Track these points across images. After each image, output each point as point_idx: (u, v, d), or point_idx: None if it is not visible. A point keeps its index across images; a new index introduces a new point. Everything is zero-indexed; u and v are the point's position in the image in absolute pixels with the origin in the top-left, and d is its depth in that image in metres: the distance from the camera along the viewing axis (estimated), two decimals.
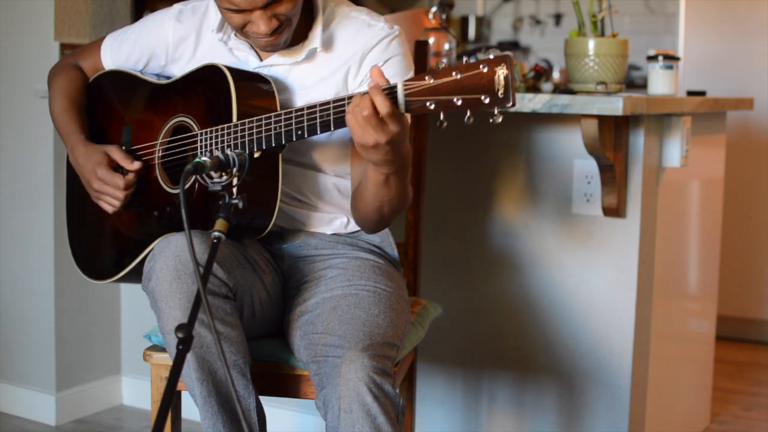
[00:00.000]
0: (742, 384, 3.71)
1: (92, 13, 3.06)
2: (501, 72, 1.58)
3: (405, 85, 1.65)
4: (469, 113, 1.61)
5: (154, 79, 2.12)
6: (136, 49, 2.14)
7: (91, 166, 2.05)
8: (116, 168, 2.06)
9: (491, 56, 1.60)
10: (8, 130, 3.09)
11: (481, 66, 1.59)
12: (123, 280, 2.11)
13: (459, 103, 1.61)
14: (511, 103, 1.59)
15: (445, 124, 1.64)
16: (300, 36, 1.99)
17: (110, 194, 2.04)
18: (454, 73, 1.61)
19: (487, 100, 1.59)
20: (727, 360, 3.95)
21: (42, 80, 2.94)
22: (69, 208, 2.25)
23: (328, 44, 1.99)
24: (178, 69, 2.10)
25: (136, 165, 2.04)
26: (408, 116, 1.79)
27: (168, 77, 2.11)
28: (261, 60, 2.02)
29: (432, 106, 1.63)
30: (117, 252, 2.12)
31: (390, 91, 1.67)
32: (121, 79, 2.17)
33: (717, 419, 3.28)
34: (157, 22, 2.12)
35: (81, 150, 2.09)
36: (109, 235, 2.14)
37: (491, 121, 1.61)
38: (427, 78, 1.63)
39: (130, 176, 2.03)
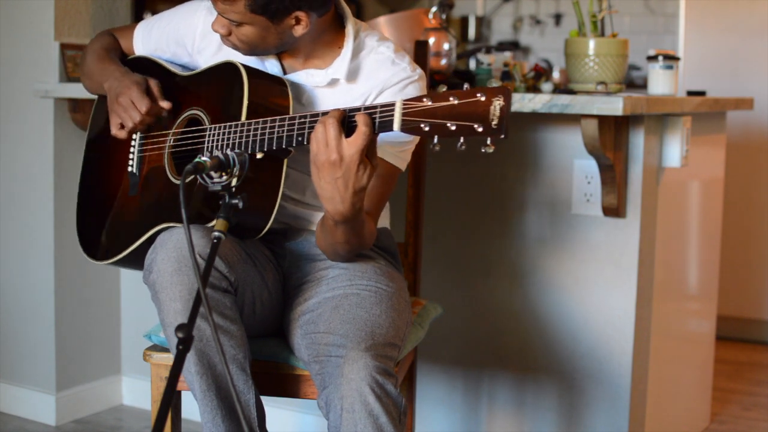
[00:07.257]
0: (742, 384, 3.71)
1: (92, 13, 3.06)
2: (498, 103, 1.58)
3: (404, 104, 1.66)
4: (462, 140, 1.61)
5: (178, 70, 2.13)
6: (164, 37, 2.15)
7: (130, 81, 2.05)
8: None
9: (493, 85, 1.60)
10: (8, 130, 3.09)
11: (478, 94, 1.59)
12: (121, 263, 2.11)
13: (453, 128, 1.61)
14: (503, 136, 1.58)
15: (437, 147, 1.64)
16: (326, 59, 2.00)
17: (130, 112, 2.03)
18: (451, 98, 1.61)
19: (480, 129, 1.59)
20: (727, 360, 3.95)
21: (42, 80, 2.95)
22: (81, 185, 2.26)
23: (352, 76, 1.99)
24: (203, 61, 2.10)
25: (167, 104, 2.05)
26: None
27: (193, 69, 2.12)
28: (285, 74, 2.02)
29: (426, 128, 1.63)
30: (118, 234, 2.12)
31: (384, 109, 1.68)
32: (146, 66, 2.17)
33: (717, 419, 3.28)
34: (189, 10, 2.12)
35: (122, 70, 2.10)
36: (113, 216, 2.14)
37: (483, 150, 1.61)
38: (425, 100, 1.64)
39: (156, 107, 2.04)
